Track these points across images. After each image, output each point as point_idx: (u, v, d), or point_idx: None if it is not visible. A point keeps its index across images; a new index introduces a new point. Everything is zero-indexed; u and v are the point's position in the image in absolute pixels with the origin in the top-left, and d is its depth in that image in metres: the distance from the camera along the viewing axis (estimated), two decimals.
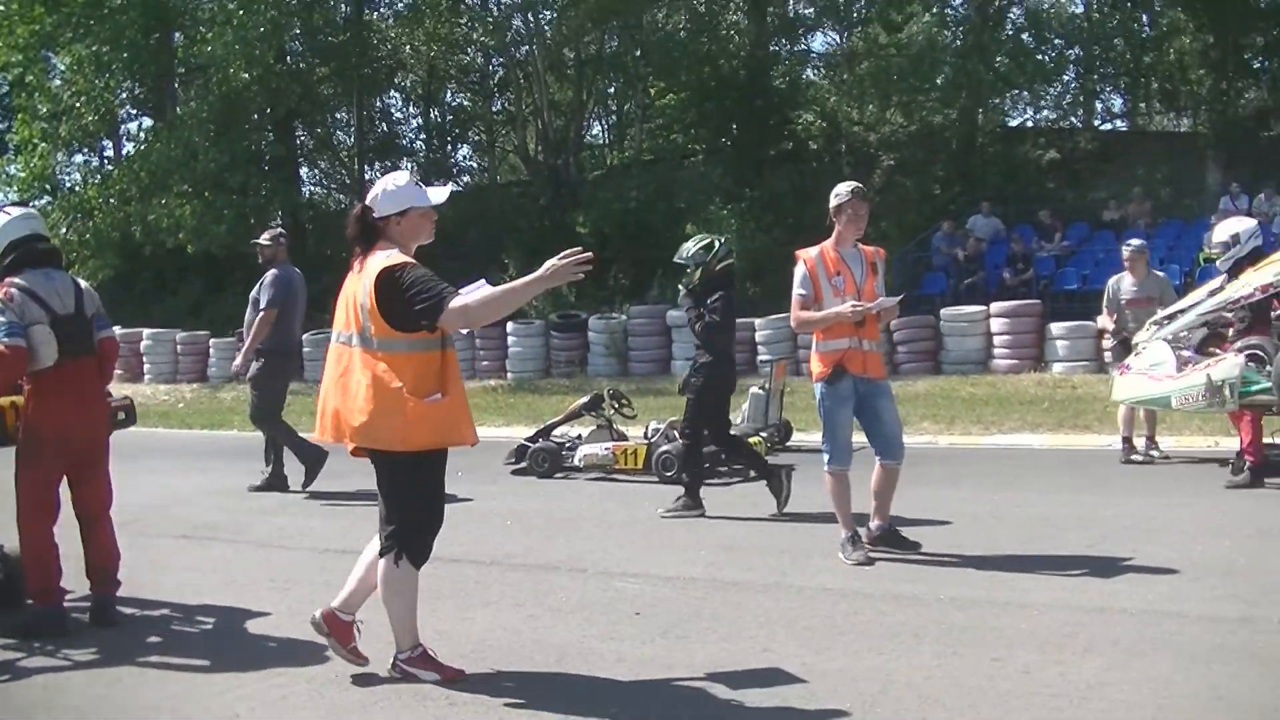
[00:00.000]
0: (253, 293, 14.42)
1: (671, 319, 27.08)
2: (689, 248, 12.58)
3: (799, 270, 10.13)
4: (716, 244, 12.58)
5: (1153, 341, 7.17)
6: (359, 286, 6.74)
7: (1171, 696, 6.42)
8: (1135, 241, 15.64)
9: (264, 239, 14.75)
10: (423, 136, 46.32)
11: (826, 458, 10.12)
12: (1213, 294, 7.09)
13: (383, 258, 6.73)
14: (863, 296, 9.93)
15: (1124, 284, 14.84)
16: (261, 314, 14.14)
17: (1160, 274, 15.86)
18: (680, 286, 12.92)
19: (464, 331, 7.28)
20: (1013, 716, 6.27)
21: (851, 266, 10.10)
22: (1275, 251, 6.90)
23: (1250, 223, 12.85)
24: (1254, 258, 12.21)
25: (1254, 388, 10.72)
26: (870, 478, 10.32)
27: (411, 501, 6.92)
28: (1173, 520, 11.03)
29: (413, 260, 6.76)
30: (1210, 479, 12.85)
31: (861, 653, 7.50)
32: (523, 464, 15.37)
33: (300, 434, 14.50)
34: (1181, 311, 12.43)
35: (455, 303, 6.46)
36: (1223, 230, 12.61)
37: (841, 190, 10.16)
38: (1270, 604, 7.91)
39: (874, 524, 10.29)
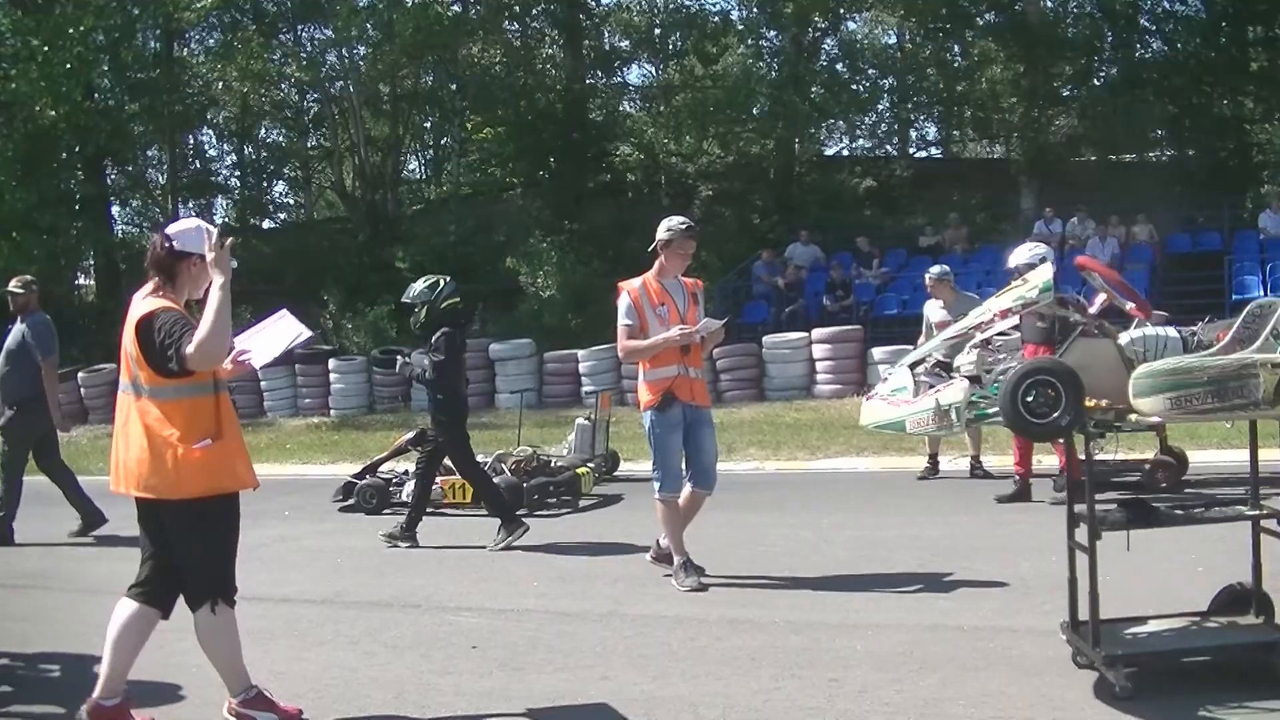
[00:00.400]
0: (7, 343, 13.89)
1: (494, 352, 27.04)
2: (416, 287, 12.69)
3: (624, 301, 10.21)
4: (442, 283, 12.63)
5: (897, 367, 7.36)
6: (127, 334, 6.61)
7: (1006, 710, 6.57)
8: (935, 269, 15.83)
9: (14, 286, 13.90)
10: (238, 173, 45.77)
11: (658, 485, 10.19)
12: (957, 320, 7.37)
13: (141, 305, 6.54)
14: (687, 325, 10.01)
15: (934, 309, 15.12)
16: (45, 363, 13.68)
17: (972, 296, 16.09)
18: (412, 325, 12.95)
19: (259, 367, 7.18)
20: None
21: (674, 297, 10.24)
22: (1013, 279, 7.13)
23: (1042, 248, 13.09)
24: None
25: (989, 410, 10.89)
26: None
27: (207, 549, 6.73)
28: (1000, 538, 11.29)
29: (171, 305, 6.58)
30: (1036, 495, 13.21)
31: (700, 678, 7.56)
32: (350, 501, 15.24)
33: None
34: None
35: (190, 343, 6.32)
36: (1022, 253, 12.81)
37: (674, 225, 10.32)
38: None
39: (665, 541, 10.45)
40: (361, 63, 38.29)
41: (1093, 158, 36.74)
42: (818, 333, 25.60)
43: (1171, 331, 7.06)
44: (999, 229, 33.05)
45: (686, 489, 10.27)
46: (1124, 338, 7.28)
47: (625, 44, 39.91)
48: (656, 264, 10.34)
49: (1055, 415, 6.54)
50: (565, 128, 36.43)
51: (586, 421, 16.87)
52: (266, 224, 45.47)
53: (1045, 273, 7.10)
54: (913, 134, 42.87)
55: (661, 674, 7.69)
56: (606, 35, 39.88)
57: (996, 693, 6.84)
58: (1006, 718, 6.48)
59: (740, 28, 38.01)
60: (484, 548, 12.36)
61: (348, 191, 42.57)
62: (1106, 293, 7.45)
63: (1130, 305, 9.32)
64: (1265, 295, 22.01)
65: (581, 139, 36.63)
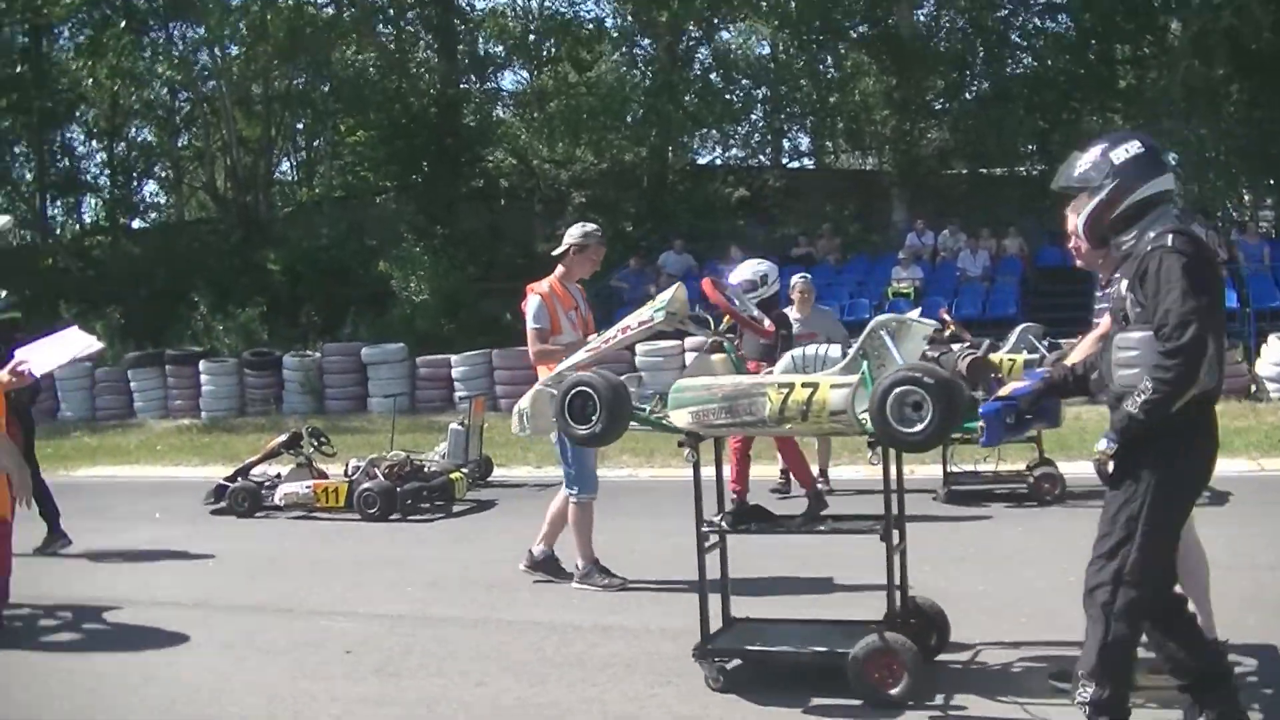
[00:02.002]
0: None
1: (366, 356, 26.87)
2: None
3: (533, 303, 10.24)
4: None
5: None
6: None
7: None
8: (798, 278, 15.33)
9: None
10: (107, 172, 45.07)
11: (575, 489, 10.23)
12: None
13: None
14: (586, 328, 10.28)
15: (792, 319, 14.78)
16: None
17: (825, 309, 16.11)
18: None
19: (39, 375, 7.16)
20: None
21: (579, 300, 10.46)
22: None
23: (770, 264, 13.25)
24: (773, 302, 12.80)
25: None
26: (552, 505, 10.62)
27: None
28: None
29: None
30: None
31: (575, 684, 7.64)
32: (222, 504, 15.07)
33: None
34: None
35: None
36: (745, 269, 12.96)
37: (590, 231, 10.45)
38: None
39: (538, 549, 10.57)
40: (234, 63, 37.92)
41: (964, 171, 37.20)
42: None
43: (835, 351, 7.23)
44: (870, 240, 33.43)
45: (563, 495, 10.33)
46: (788, 356, 7.51)
47: (500, 49, 39.81)
48: (562, 268, 10.43)
49: None
50: (438, 132, 36.21)
51: (460, 427, 16.83)
52: (136, 224, 44.85)
53: (668, 294, 7.36)
54: (785, 144, 43.17)
55: (537, 680, 7.75)
56: (481, 40, 39.70)
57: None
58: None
59: (614, 35, 38.13)
60: (357, 550, 12.34)
61: (219, 193, 42.12)
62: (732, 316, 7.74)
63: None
64: None
65: (455, 144, 36.41)
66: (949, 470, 14.00)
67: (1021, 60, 36.59)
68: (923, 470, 14.96)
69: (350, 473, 14.93)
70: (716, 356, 7.71)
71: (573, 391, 7.08)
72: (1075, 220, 6.05)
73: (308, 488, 14.63)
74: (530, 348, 10.33)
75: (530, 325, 10.19)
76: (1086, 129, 34.98)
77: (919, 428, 6.31)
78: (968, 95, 36.30)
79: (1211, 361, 5.58)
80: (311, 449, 15.51)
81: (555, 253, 10.55)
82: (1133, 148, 5.84)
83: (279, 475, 15.36)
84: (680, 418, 7.06)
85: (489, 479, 17.00)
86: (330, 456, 15.82)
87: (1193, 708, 6.04)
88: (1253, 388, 21.42)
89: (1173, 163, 33.97)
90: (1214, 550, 8.54)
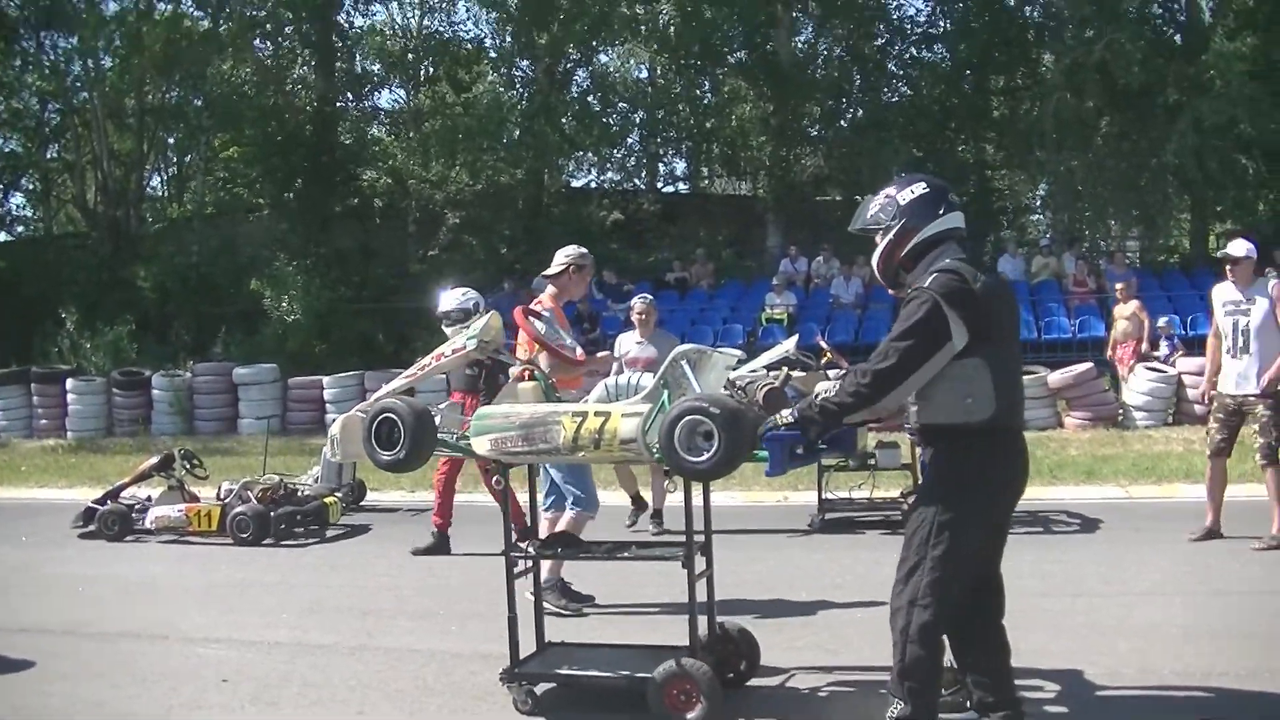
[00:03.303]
0: None
1: (238, 376, 26.58)
2: None
3: (545, 318, 9.95)
4: None
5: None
6: None
7: None
8: (638, 299, 14.59)
9: None
10: None
11: (579, 505, 10.01)
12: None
13: None
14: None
15: (630, 340, 14.31)
16: None
17: (667, 333, 15.57)
18: None
19: None
20: None
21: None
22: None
23: (476, 294, 13.14)
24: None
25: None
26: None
27: None
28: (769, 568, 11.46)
29: None
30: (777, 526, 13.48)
31: (455, 713, 7.65)
32: (91, 527, 14.76)
33: None
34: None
35: None
36: (452, 299, 12.82)
37: (585, 252, 10.59)
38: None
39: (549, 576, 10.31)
40: (107, 74, 37.35)
41: (839, 197, 37.51)
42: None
43: (647, 379, 7.38)
44: (745, 265, 33.64)
45: (570, 513, 10.07)
46: (602, 385, 7.63)
47: (378, 67, 39.61)
48: (554, 288, 10.51)
49: None
50: (314, 149, 35.97)
51: None
52: (2, 237, 44.00)
53: (482, 321, 7.49)
54: (661, 168, 43.27)
55: (417, 709, 7.73)
56: (359, 58, 39.51)
57: None
58: None
59: (494, 56, 38.11)
60: (232, 576, 12.20)
61: (89, 206, 41.43)
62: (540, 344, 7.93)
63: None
64: None
65: (330, 162, 36.21)
66: (824, 497, 14.06)
67: (898, 89, 37.15)
68: (797, 497, 15.09)
69: (223, 496, 14.71)
70: (525, 385, 7.76)
71: (380, 418, 7.17)
72: (858, 224, 6.47)
73: (180, 511, 14.40)
74: (553, 353, 9.99)
75: (541, 335, 9.95)
76: (960, 158, 35.62)
77: (706, 457, 6.44)
78: (844, 123, 36.76)
79: (988, 393, 5.99)
80: (184, 471, 15.27)
81: (550, 273, 10.51)
82: (918, 188, 6.24)
83: (149, 498, 15.10)
84: (480, 444, 7.19)
85: (362, 503, 16.83)
86: (203, 479, 15.58)
87: None
88: (1119, 415, 21.80)
89: (1043, 192, 34.63)
90: (1084, 577, 8.69)
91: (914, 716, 6.07)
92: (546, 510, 10.13)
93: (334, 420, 8.22)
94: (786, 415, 6.29)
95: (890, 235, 6.21)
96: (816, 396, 6.21)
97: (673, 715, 7.00)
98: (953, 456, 6.10)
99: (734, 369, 7.27)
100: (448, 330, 12.53)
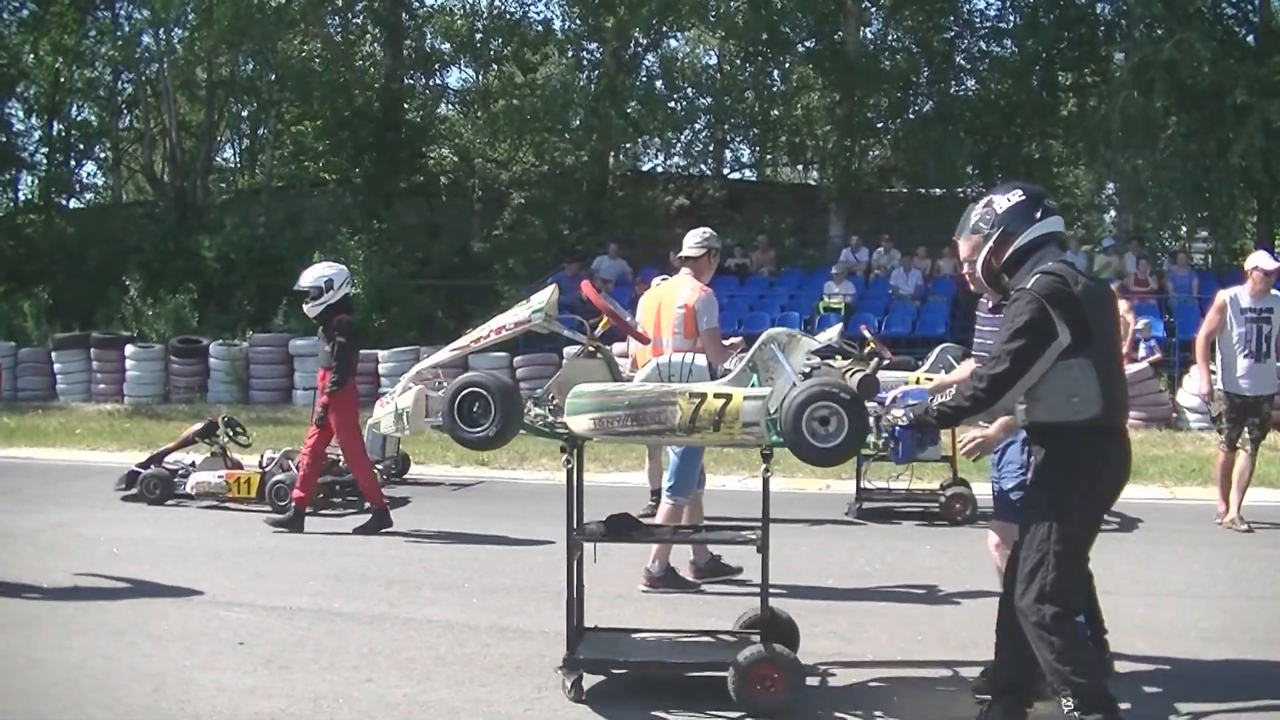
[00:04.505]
0: None
1: (294, 348, 26.73)
2: None
3: (715, 302, 10.32)
4: None
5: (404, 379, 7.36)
6: None
7: None
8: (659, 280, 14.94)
9: None
10: (45, 149, 44.53)
11: (679, 490, 10.13)
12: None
13: None
14: None
15: None
16: None
17: None
18: None
19: None
20: None
21: None
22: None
23: (339, 267, 13.29)
24: (345, 303, 12.92)
25: None
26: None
27: None
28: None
29: None
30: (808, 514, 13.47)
31: (464, 684, 7.66)
32: (133, 490, 14.93)
33: None
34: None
35: None
36: (311, 275, 12.99)
37: (716, 235, 10.75)
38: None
39: (655, 565, 10.36)
40: (178, 45, 37.60)
41: (903, 189, 37.43)
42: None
43: (700, 360, 7.42)
44: (806, 254, 33.53)
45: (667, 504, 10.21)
46: (654, 364, 7.61)
47: (446, 46, 39.70)
48: (690, 270, 10.55)
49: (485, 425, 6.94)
50: (381, 126, 36.07)
51: None
52: (72, 204, 44.38)
53: (544, 295, 7.33)
54: (727, 155, 43.25)
55: (425, 678, 7.77)
56: (428, 36, 39.61)
57: None
58: None
59: (561, 38, 38.10)
60: (264, 542, 12.31)
61: (157, 176, 41.71)
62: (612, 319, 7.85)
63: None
64: None
65: (397, 139, 36.31)
66: (862, 486, 14.05)
67: (965, 83, 36.89)
68: (837, 485, 15.07)
69: (264, 464, 14.85)
70: (593, 361, 7.60)
71: (464, 392, 6.96)
72: (966, 249, 6.77)
73: (220, 477, 14.55)
74: (720, 342, 10.15)
75: (713, 323, 10.08)
76: (1026, 154, 35.39)
77: (834, 443, 6.58)
78: (910, 115, 36.52)
79: (1094, 392, 6.26)
80: (226, 439, 15.41)
81: (687, 254, 10.59)
82: (1014, 196, 6.54)
83: (193, 464, 15.25)
84: (580, 423, 6.97)
85: (405, 476, 16.93)
86: (245, 447, 15.71)
87: (990, 707, 6.77)
88: (1174, 416, 21.63)
89: (1110, 190, 34.36)
90: (1114, 576, 8.65)
91: (1087, 702, 6.16)
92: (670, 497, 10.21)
93: (384, 394, 8.05)
94: (900, 415, 6.63)
95: (991, 242, 6.51)
96: (933, 401, 6.60)
97: (758, 701, 6.99)
98: (1064, 455, 6.34)
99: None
100: (307, 307, 12.84)
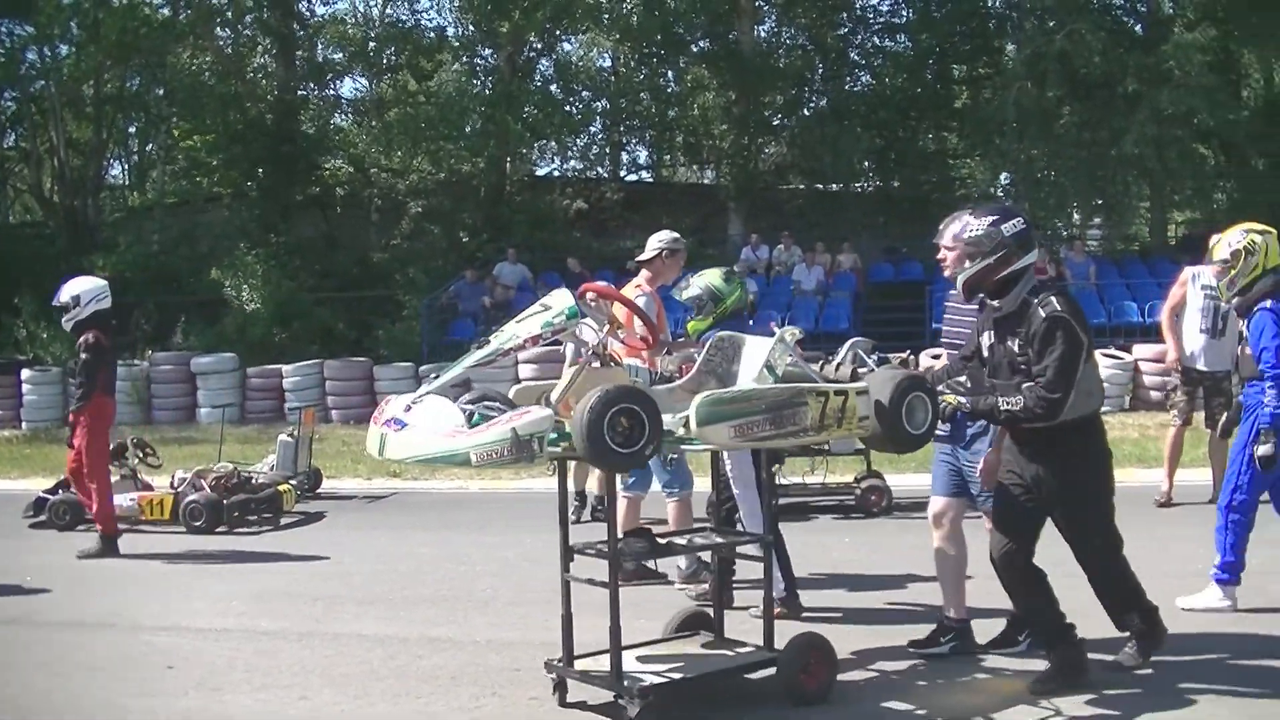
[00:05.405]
0: None
1: (196, 365, 26.44)
2: None
3: (644, 298, 10.42)
4: None
5: (429, 398, 6.69)
6: None
7: None
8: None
9: None
10: None
11: (676, 487, 10.32)
12: (479, 347, 7.03)
13: None
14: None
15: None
16: None
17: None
18: None
19: None
20: None
21: None
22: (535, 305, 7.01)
23: (95, 283, 13.05)
24: (96, 319, 12.66)
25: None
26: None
27: None
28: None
29: None
30: None
31: (401, 697, 7.59)
32: (42, 517, 14.66)
33: None
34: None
35: None
36: (65, 290, 12.68)
37: (678, 237, 10.95)
38: None
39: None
40: (64, 62, 37.09)
41: (801, 186, 37.61)
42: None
43: (639, 362, 7.50)
44: (707, 254, 33.55)
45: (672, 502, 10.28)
46: (627, 363, 7.61)
47: (339, 56, 39.38)
48: (648, 273, 10.77)
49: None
50: (275, 139, 35.67)
51: (289, 438, 16.56)
52: None
53: (567, 298, 7.02)
54: (624, 157, 43.24)
55: (361, 693, 7.69)
56: (320, 47, 39.26)
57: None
58: None
59: (455, 44, 37.90)
60: (181, 564, 12.14)
61: (46, 196, 41.12)
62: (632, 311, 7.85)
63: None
64: None
65: (291, 150, 35.93)
66: (777, 482, 14.07)
67: (860, 78, 37.16)
68: None
69: (176, 484, 14.63)
70: (616, 369, 7.40)
71: (616, 410, 6.28)
72: (950, 234, 7.51)
73: (132, 500, 14.29)
74: (657, 335, 9.87)
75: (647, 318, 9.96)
76: (922, 147, 35.71)
77: (924, 429, 7.16)
78: (806, 111, 36.76)
79: (1099, 385, 7.46)
80: (136, 460, 15.17)
81: (643, 259, 10.81)
82: (1018, 224, 7.20)
83: None
84: (719, 434, 6.59)
85: (318, 491, 16.76)
86: (156, 468, 15.46)
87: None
88: None
89: (1005, 181, 34.76)
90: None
91: (1150, 632, 7.58)
92: (627, 491, 10.26)
93: (391, 398, 7.08)
94: (964, 402, 7.36)
95: (989, 260, 7.14)
96: (1000, 399, 7.16)
97: (806, 690, 7.16)
98: (1086, 441, 7.29)
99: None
100: (65, 321, 12.70)
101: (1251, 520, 9.06)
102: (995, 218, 7.20)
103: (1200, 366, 13.12)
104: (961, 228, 7.32)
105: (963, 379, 7.67)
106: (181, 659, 8.57)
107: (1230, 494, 9.09)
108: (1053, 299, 7.07)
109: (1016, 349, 7.19)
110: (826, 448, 13.13)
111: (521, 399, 7.10)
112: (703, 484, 13.02)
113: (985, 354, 7.48)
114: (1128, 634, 7.65)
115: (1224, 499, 9.17)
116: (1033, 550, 7.49)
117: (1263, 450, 8.75)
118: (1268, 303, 8.82)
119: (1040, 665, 7.50)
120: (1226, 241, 9.16)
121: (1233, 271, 9.06)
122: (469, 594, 10.30)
